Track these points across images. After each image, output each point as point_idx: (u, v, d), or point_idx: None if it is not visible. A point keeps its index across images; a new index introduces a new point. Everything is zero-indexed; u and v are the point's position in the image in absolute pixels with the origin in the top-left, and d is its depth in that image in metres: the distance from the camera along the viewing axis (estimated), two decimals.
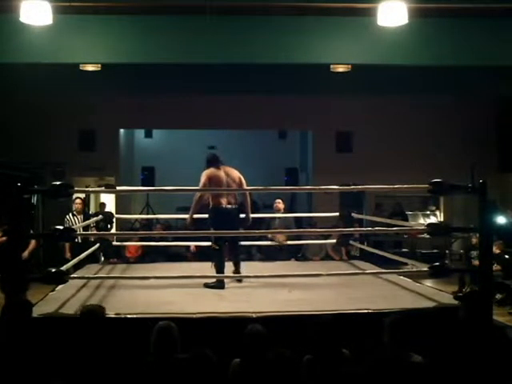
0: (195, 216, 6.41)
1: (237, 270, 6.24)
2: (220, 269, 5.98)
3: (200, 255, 8.55)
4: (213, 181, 6.07)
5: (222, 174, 6.15)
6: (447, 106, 12.89)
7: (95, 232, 8.35)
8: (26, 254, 7.51)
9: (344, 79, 9.67)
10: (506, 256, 8.21)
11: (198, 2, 7.90)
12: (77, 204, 8.79)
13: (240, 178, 6.25)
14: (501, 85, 11.38)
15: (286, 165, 15.26)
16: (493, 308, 4.69)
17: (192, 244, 8.58)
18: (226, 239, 6.22)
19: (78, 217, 8.69)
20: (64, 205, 8.62)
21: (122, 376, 3.49)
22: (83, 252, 6.64)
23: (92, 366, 3.50)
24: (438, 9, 7.79)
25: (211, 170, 6.14)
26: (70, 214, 8.71)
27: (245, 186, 6.30)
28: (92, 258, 7.48)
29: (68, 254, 8.04)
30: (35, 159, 11.99)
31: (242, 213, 6.37)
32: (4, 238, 6.54)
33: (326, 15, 8.00)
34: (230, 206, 6.10)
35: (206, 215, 6.32)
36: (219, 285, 5.72)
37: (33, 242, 7.65)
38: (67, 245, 8.07)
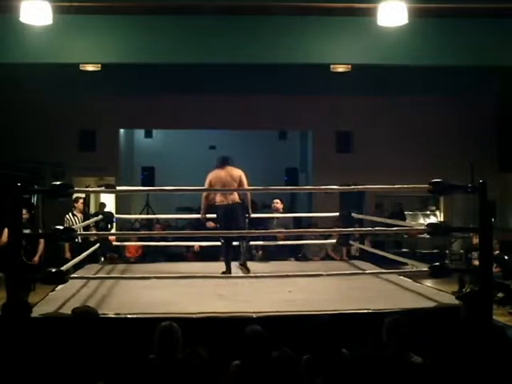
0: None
1: (243, 265, 6.56)
2: (225, 261, 6.62)
3: (202, 255, 8.56)
4: (213, 180, 6.64)
5: (222, 173, 6.65)
6: (447, 106, 12.88)
7: (95, 232, 8.35)
8: (36, 258, 7.56)
9: (344, 79, 9.67)
10: (506, 257, 8.21)
11: (198, 2, 7.90)
12: (79, 203, 8.80)
13: (240, 177, 6.69)
14: (501, 85, 11.38)
15: (286, 165, 15.26)
16: (493, 308, 4.68)
17: (196, 244, 8.61)
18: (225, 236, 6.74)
19: (78, 216, 8.70)
20: (64, 205, 8.61)
21: (122, 376, 3.50)
22: (83, 252, 6.64)
23: (91, 366, 3.50)
24: (438, 9, 7.78)
25: (214, 171, 6.72)
26: (70, 214, 8.72)
27: (245, 184, 6.72)
28: (92, 258, 7.49)
29: (68, 254, 8.04)
30: (35, 159, 12.00)
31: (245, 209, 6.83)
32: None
33: (326, 15, 7.99)
34: (226, 203, 6.60)
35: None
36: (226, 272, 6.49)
37: (41, 247, 7.67)
38: (67, 244, 8.07)
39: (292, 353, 3.65)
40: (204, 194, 6.88)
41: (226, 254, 6.72)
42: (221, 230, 6.84)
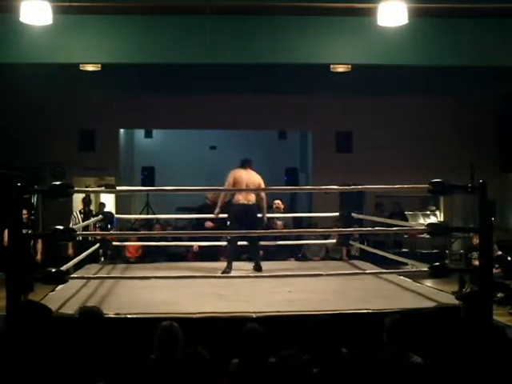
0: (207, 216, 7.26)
1: (257, 266, 6.74)
2: (229, 260, 6.66)
3: (201, 255, 8.54)
4: (237, 178, 6.74)
5: (244, 173, 6.80)
6: (447, 106, 12.90)
7: (95, 232, 8.35)
8: (38, 257, 7.59)
9: (344, 79, 9.68)
10: (509, 258, 8.21)
11: (198, 2, 7.91)
12: (82, 202, 8.85)
13: (260, 184, 6.84)
14: (501, 85, 11.39)
15: (286, 165, 15.23)
16: (493, 308, 4.68)
17: (195, 244, 8.60)
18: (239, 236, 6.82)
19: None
20: (64, 205, 8.63)
21: (122, 376, 3.49)
22: (86, 249, 6.65)
23: (92, 366, 3.50)
24: (438, 9, 7.79)
25: (236, 170, 6.83)
26: (78, 212, 8.76)
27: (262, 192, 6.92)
28: (92, 258, 7.49)
29: (70, 251, 8.04)
30: (35, 159, 12.01)
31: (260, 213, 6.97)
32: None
33: (326, 15, 8.00)
34: (246, 202, 6.71)
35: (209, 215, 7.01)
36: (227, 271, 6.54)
37: (40, 245, 7.68)
38: (70, 242, 8.07)
39: (297, 354, 3.63)
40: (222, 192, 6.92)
41: (232, 253, 6.77)
42: (232, 229, 6.87)
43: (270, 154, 15.16)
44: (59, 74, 9.94)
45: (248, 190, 6.78)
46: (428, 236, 5.36)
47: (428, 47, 8.24)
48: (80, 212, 8.81)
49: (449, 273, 5.21)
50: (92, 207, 11.59)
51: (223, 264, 6.72)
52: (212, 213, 7.03)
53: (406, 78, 10.24)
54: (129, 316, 4.39)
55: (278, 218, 8.51)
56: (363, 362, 3.62)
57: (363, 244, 8.49)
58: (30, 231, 6.27)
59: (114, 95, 12.57)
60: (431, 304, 4.84)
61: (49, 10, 6.66)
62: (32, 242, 7.14)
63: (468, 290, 5.50)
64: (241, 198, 6.72)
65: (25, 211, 7.65)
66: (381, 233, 8.50)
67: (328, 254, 8.76)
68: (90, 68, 8.86)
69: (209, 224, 8.43)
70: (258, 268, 6.75)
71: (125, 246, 8.75)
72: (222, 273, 6.45)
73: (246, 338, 3.61)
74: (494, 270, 5.75)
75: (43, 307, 4.07)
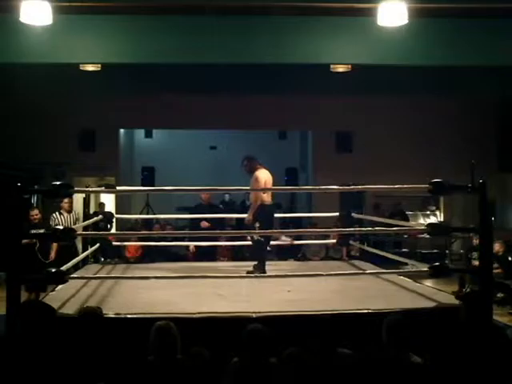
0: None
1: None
2: (263, 260, 6.50)
3: (201, 255, 8.54)
4: (265, 180, 6.56)
5: (266, 173, 6.63)
6: (447, 106, 12.90)
7: (95, 232, 8.33)
8: (52, 255, 7.57)
9: (344, 79, 9.67)
10: (509, 258, 8.21)
11: (198, 2, 7.90)
12: (65, 203, 8.69)
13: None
14: (501, 85, 11.39)
15: (286, 165, 15.26)
16: (493, 308, 4.68)
17: (191, 244, 8.57)
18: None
19: (65, 215, 8.59)
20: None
21: (122, 376, 3.49)
22: (68, 254, 6.62)
23: (92, 366, 3.50)
24: (438, 9, 7.78)
25: (262, 170, 6.60)
26: (57, 213, 8.61)
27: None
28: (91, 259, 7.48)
29: (52, 254, 7.88)
30: (35, 159, 12.01)
31: None
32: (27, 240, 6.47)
33: (326, 15, 7.99)
34: (272, 203, 6.63)
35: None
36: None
37: (55, 243, 7.65)
38: (55, 245, 7.93)
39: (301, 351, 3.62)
40: (259, 193, 6.53)
41: (263, 253, 6.66)
42: (265, 229, 6.64)
43: (270, 154, 15.12)
44: (59, 74, 9.94)
45: (248, 189, 6.76)
46: (428, 236, 5.36)
47: (428, 47, 8.23)
48: (60, 213, 8.67)
49: (449, 273, 5.20)
50: (92, 207, 11.61)
51: (222, 264, 6.71)
52: (206, 213, 6.99)
53: (406, 78, 10.24)
54: (129, 316, 4.39)
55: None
56: (363, 362, 3.63)
57: (363, 244, 8.49)
58: (42, 231, 6.24)
59: (113, 95, 12.57)
60: (431, 304, 4.84)
61: (49, 9, 6.67)
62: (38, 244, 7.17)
63: (468, 290, 5.49)
64: (269, 199, 6.60)
65: (36, 211, 7.66)
66: (381, 233, 8.49)
67: (328, 254, 8.76)
68: (89, 68, 8.85)
69: (204, 224, 8.41)
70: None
71: (125, 246, 8.76)
72: (252, 273, 6.32)
73: (250, 339, 3.61)
74: (494, 270, 5.75)
75: (47, 307, 4.07)
